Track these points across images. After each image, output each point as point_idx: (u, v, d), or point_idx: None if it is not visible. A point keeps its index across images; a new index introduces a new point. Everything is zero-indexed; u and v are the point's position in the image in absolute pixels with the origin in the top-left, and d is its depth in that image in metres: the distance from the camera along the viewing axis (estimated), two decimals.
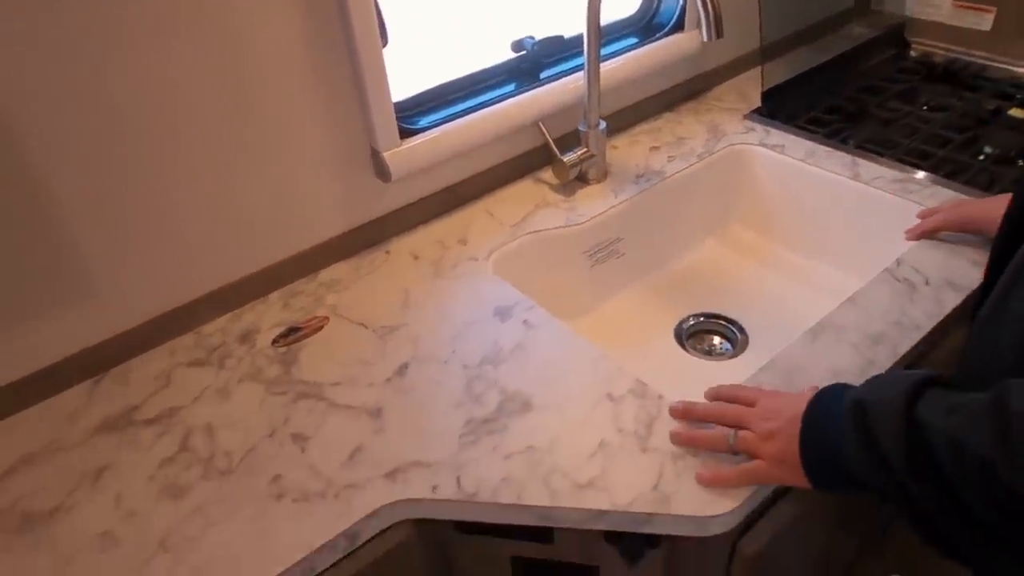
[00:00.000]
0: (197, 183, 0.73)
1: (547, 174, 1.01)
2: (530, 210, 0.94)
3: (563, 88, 0.97)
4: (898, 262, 0.80)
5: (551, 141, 0.96)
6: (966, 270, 0.77)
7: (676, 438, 0.62)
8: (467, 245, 0.89)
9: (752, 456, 0.58)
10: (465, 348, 0.73)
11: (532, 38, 0.98)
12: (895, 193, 0.92)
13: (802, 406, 0.56)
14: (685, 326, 0.97)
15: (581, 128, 0.95)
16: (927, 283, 0.77)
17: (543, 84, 0.96)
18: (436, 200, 0.93)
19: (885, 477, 0.48)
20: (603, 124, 0.95)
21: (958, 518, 0.46)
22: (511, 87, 0.96)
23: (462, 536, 0.67)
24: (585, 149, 0.95)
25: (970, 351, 0.56)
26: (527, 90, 0.95)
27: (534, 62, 0.99)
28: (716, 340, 0.96)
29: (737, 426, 0.59)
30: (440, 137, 0.87)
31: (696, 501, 0.57)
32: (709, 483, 0.58)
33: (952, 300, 0.74)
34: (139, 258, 0.73)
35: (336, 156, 0.82)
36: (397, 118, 0.82)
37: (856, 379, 0.60)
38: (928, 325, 0.71)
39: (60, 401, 0.72)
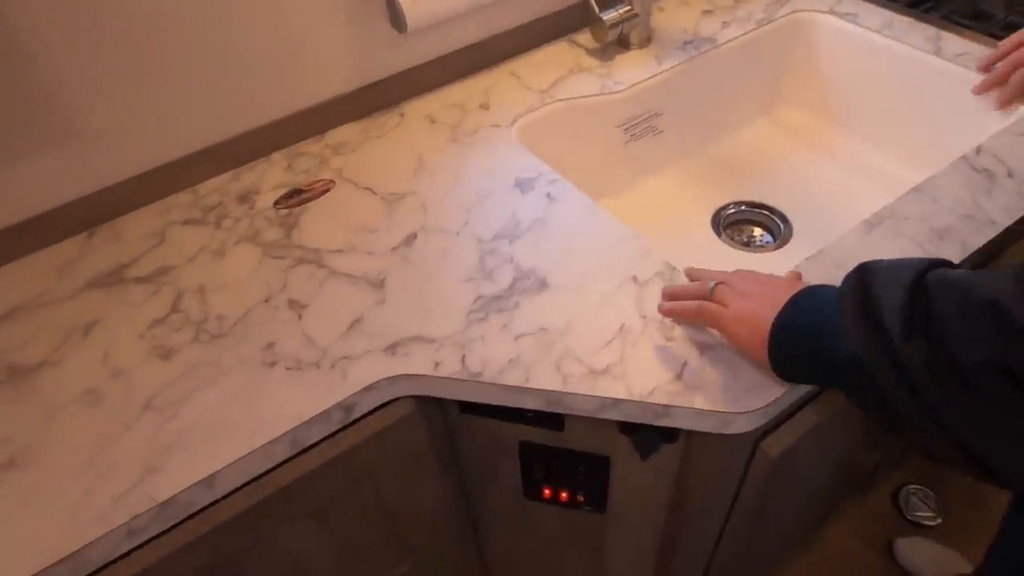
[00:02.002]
0: (188, 19, 0.65)
1: (584, 36, 0.91)
2: (562, 75, 0.84)
3: None
4: (978, 150, 0.70)
5: None
6: None
7: (660, 308, 0.57)
8: (489, 110, 0.80)
9: (720, 303, 0.53)
10: (480, 220, 0.67)
11: None
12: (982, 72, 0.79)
13: (793, 285, 0.51)
14: (724, 214, 0.89)
15: None
16: (1010, 175, 0.67)
17: None
18: (458, 59, 0.84)
19: (872, 348, 0.41)
20: None
21: (938, 390, 0.39)
22: None
23: (468, 417, 0.64)
24: (629, 7, 0.84)
25: None
26: None
27: None
28: (757, 231, 0.88)
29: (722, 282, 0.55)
30: None
31: (721, 397, 0.52)
32: (667, 313, 0.57)
33: None
34: (126, 103, 0.66)
35: None
36: None
37: None
38: (1005, 221, 0.63)
39: (49, 254, 0.68)
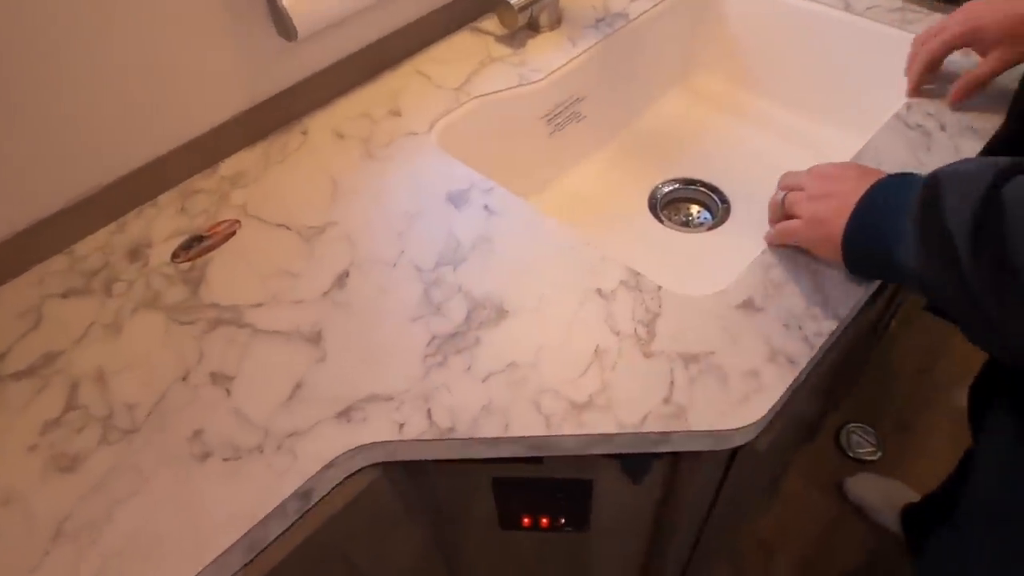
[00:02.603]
0: (37, 56, 0.54)
1: (489, 22, 0.84)
2: (474, 68, 0.78)
3: None
4: (908, 106, 0.69)
5: None
6: (984, 109, 0.68)
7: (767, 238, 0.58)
8: (402, 117, 0.73)
9: (793, 216, 0.54)
10: (416, 246, 0.60)
11: None
12: (894, 24, 0.79)
13: (864, 176, 0.51)
14: (660, 194, 0.85)
15: None
16: (942, 128, 0.67)
17: None
18: (357, 62, 0.75)
19: (936, 266, 0.42)
20: None
21: (1001, 307, 0.39)
22: None
23: (436, 466, 0.58)
24: None
25: None
26: None
27: None
28: (694, 209, 0.85)
29: (795, 189, 0.56)
30: None
31: (714, 411, 0.48)
32: (767, 241, 0.57)
33: (971, 147, 0.65)
34: None
35: (223, 4, 0.62)
36: None
37: None
38: None
39: None
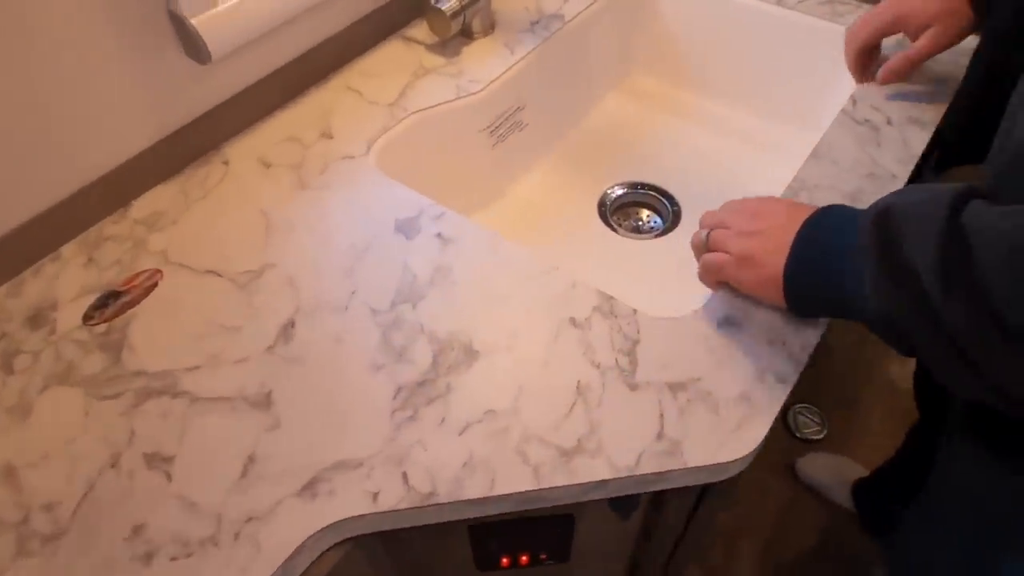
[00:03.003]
0: None
1: (418, 30, 0.78)
2: (408, 81, 0.72)
3: None
4: (853, 101, 0.69)
5: None
6: (926, 100, 0.68)
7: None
8: (335, 139, 0.67)
9: (720, 251, 0.50)
10: (368, 284, 0.55)
11: None
12: (825, 17, 0.79)
13: (795, 213, 0.47)
14: (608, 201, 0.83)
15: None
16: (889, 122, 0.67)
17: None
18: (280, 80, 0.68)
19: (906, 305, 0.38)
20: None
21: (980, 345, 0.36)
22: None
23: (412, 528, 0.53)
24: None
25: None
26: None
27: None
28: (644, 214, 0.83)
29: (714, 226, 0.52)
30: None
31: (710, 443, 0.45)
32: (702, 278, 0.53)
33: (919, 139, 0.65)
34: None
35: (120, 25, 0.54)
36: None
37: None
38: (904, 173, 0.62)
39: None
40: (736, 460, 0.45)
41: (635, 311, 0.52)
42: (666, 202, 0.82)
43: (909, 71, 0.65)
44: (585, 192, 0.82)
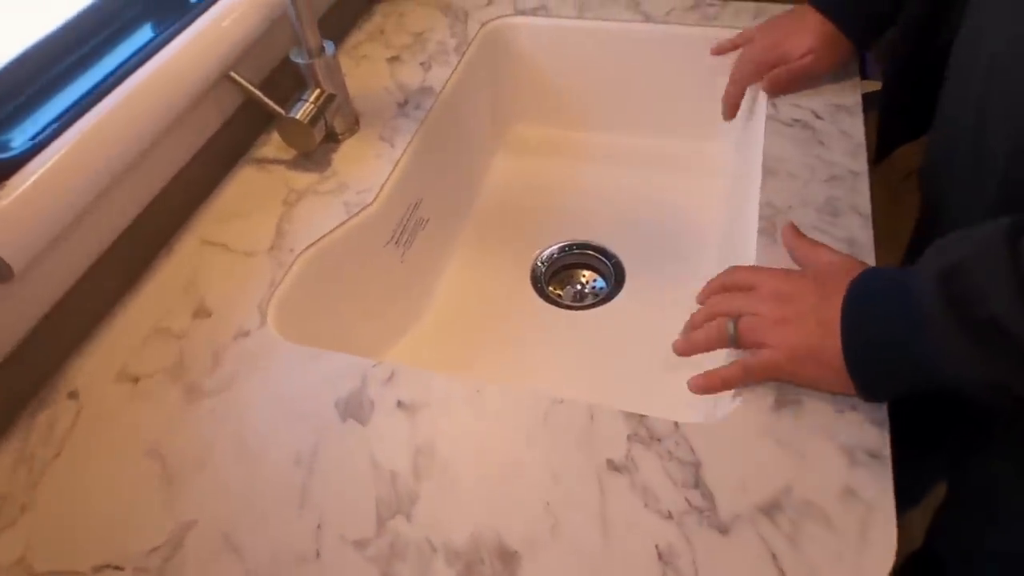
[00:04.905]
0: None
1: (269, 148, 0.65)
2: (280, 213, 0.58)
3: (240, 10, 0.59)
4: (774, 104, 0.64)
5: (261, 95, 0.59)
6: (837, 85, 0.64)
7: (675, 348, 0.48)
8: (214, 315, 0.51)
9: (758, 346, 0.43)
10: (335, 509, 0.40)
11: None
12: (697, 23, 0.75)
13: (828, 284, 0.43)
14: (539, 273, 0.72)
15: (298, 60, 0.60)
16: (818, 116, 0.62)
17: (198, 11, 0.57)
18: (114, 264, 0.52)
19: (1002, 366, 0.34)
20: (330, 45, 0.61)
21: None
22: (148, 33, 0.56)
23: None
24: (318, 90, 0.61)
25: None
26: (179, 29, 0.56)
27: None
28: (583, 276, 0.74)
29: (737, 314, 0.45)
30: (71, 156, 0.46)
31: (843, 569, 0.36)
32: (702, 390, 0.44)
33: (854, 126, 0.61)
34: None
35: None
36: None
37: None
38: (862, 166, 0.57)
39: None
40: None
41: (676, 424, 0.42)
42: (602, 257, 0.73)
43: (789, 82, 0.64)
44: (514, 268, 0.72)
